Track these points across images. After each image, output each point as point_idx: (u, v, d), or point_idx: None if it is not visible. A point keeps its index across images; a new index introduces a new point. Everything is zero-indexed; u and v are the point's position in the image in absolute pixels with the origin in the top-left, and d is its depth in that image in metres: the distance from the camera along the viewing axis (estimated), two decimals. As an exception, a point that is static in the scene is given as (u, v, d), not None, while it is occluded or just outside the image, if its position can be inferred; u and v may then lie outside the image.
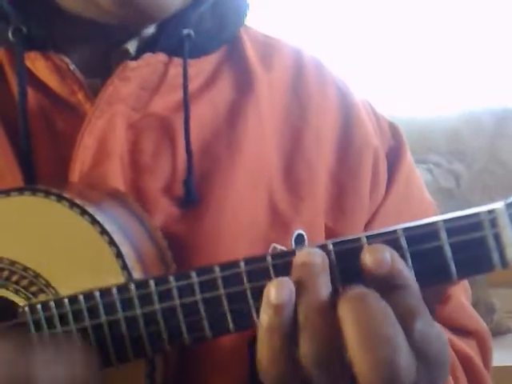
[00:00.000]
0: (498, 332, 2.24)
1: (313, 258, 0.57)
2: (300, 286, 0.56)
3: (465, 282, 0.87)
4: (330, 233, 0.79)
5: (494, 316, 2.28)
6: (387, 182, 0.83)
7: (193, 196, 0.73)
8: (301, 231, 0.76)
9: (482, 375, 0.82)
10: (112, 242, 0.63)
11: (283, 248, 0.74)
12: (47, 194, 0.64)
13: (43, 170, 0.72)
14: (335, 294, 0.57)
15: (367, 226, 0.81)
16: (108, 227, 0.63)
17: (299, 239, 0.76)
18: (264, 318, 0.57)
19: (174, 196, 0.73)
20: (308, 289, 0.56)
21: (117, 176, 0.72)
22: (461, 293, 0.85)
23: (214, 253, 0.71)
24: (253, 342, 0.61)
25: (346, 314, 0.55)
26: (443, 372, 0.59)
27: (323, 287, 0.56)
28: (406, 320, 0.55)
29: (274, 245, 0.74)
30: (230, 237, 0.73)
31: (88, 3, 0.72)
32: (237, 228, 0.74)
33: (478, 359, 0.82)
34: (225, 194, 0.74)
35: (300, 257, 0.58)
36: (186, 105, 0.75)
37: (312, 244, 0.74)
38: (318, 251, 0.58)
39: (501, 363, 1.96)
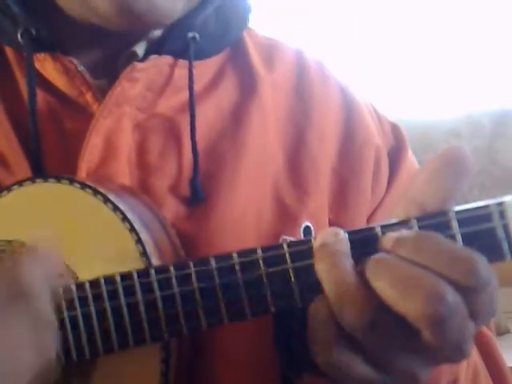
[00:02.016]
0: (496, 333, 2.25)
1: (331, 237, 0.59)
2: (327, 266, 0.58)
3: None
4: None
5: (492, 316, 2.29)
6: (388, 178, 0.85)
7: (199, 195, 0.75)
8: (308, 223, 0.78)
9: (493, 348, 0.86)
10: (133, 229, 0.65)
11: (293, 239, 0.76)
12: (71, 181, 0.66)
13: (52, 168, 0.73)
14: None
15: (369, 220, 0.83)
16: (129, 215, 0.65)
17: (307, 231, 0.77)
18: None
19: (181, 195, 0.75)
20: (335, 267, 0.58)
21: (124, 175, 0.74)
22: None
23: (221, 249, 0.72)
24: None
25: (373, 274, 0.56)
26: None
27: (348, 261, 0.58)
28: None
29: (284, 237, 0.76)
30: (237, 233, 0.75)
31: (90, 12, 0.73)
32: (243, 224, 0.75)
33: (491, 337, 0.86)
34: (231, 192, 0.76)
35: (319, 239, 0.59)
36: (191, 106, 0.77)
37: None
38: (332, 230, 0.59)
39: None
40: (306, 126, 0.82)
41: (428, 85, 2.49)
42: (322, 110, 0.84)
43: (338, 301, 0.56)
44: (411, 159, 0.88)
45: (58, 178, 0.66)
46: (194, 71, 0.78)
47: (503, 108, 2.44)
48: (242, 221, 0.75)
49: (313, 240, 0.60)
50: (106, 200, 0.65)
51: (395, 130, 0.89)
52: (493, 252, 0.58)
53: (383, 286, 0.55)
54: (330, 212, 0.81)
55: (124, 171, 0.74)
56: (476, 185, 2.43)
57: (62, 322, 0.63)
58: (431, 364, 0.60)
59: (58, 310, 0.63)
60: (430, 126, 2.41)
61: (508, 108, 2.45)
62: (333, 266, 0.57)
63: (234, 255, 0.61)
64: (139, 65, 0.75)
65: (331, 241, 0.58)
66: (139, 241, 0.65)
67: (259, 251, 0.61)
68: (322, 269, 0.58)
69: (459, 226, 0.57)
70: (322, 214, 0.80)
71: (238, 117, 0.80)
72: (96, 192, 0.65)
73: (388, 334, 0.56)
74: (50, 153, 0.74)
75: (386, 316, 0.55)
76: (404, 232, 0.58)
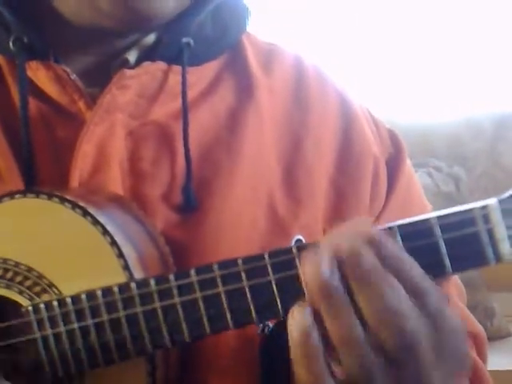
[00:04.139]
0: (498, 336, 2.25)
1: (325, 280, 0.58)
2: (324, 309, 0.58)
3: (460, 285, 0.88)
4: None
5: (494, 320, 2.28)
6: (387, 189, 0.83)
7: (192, 202, 0.74)
8: (300, 237, 0.76)
9: (481, 370, 0.82)
10: (114, 243, 0.64)
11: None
12: (50, 196, 0.65)
13: (44, 177, 0.73)
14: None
15: None
16: (110, 228, 0.64)
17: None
18: (296, 348, 0.59)
19: (174, 202, 0.74)
20: (332, 313, 0.58)
21: (116, 183, 0.73)
22: (457, 296, 0.86)
23: (214, 258, 0.71)
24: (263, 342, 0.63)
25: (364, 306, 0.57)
26: (461, 362, 0.61)
27: (345, 308, 0.58)
28: (418, 295, 0.58)
29: None
30: (230, 242, 0.74)
31: (86, 5, 0.72)
32: (236, 233, 0.74)
33: (475, 356, 0.83)
34: (224, 200, 0.75)
35: (312, 279, 0.58)
36: (184, 112, 0.76)
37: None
38: (325, 266, 0.58)
39: (501, 367, 1.96)
40: (302, 134, 0.81)
41: (428, 89, 2.49)
42: (319, 118, 0.83)
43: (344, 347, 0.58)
44: (409, 167, 0.87)
45: (38, 193, 0.66)
46: (190, 77, 0.77)
47: (504, 111, 2.43)
48: (235, 229, 0.74)
49: (294, 249, 0.59)
50: (86, 213, 0.64)
51: (392, 136, 0.87)
52: (477, 257, 0.57)
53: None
54: (326, 223, 0.79)
55: (116, 179, 0.73)
56: (478, 188, 2.42)
57: (46, 339, 0.63)
58: None
59: (42, 327, 0.63)
60: (431, 129, 2.41)
61: (509, 111, 2.44)
62: (330, 314, 0.58)
63: (215, 267, 0.60)
64: (129, 72, 0.75)
65: (325, 285, 0.58)
66: (121, 254, 0.64)
67: (240, 262, 0.60)
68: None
69: (442, 232, 0.56)
70: (315, 226, 0.78)
71: (233, 123, 0.79)
72: (75, 206, 0.64)
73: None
74: (42, 161, 0.73)
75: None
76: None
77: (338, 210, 0.80)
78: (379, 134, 0.86)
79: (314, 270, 0.57)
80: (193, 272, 0.61)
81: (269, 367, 0.70)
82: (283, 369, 0.65)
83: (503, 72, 2.48)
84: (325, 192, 0.80)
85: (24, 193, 0.66)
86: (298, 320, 0.58)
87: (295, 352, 0.59)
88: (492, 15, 2.49)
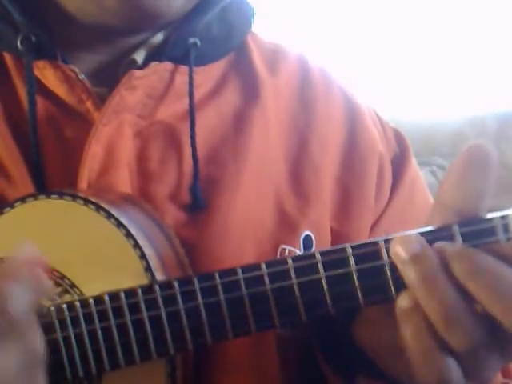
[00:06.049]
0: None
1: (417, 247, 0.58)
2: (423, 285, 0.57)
3: None
4: (336, 235, 0.80)
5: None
6: (392, 187, 0.84)
7: (199, 201, 0.75)
8: (308, 232, 0.77)
9: None
10: (136, 245, 0.64)
11: (292, 249, 0.76)
12: (74, 197, 0.66)
13: (53, 177, 0.73)
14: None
15: (372, 229, 0.82)
16: (132, 230, 0.65)
17: (307, 240, 0.77)
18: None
19: (182, 202, 0.75)
20: (432, 288, 0.57)
21: (125, 183, 0.73)
22: None
23: (222, 256, 0.73)
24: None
25: (477, 284, 0.56)
26: None
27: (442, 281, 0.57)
28: None
29: (283, 246, 0.76)
30: (237, 241, 0.74)
31: (91, 2, 0.73)
32: (244, 231, 0.75)
33: None
34: (231, 199, 0.76)
35: (400, 252, 0.58)
36: (191, 112, 0.76)
37: (319, 246, 0.76)
38: (412, 239, 0.58)
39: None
40: (308, 134, 0.82)
41: (432, 86, 2.49)
42: (324, 118, 0.83)
43: (444, 321, 0.57)
44: (414, 167, 0.88)
45: (61, 194, 0.66)
46: (197, 77, 0.78)
47: (508, 109, 2.44)
48: (242, 228, 0.75)
49: (317, 254, 0.60)
50: (109, 216, 0.65)
51: (398, 136, 0.88)
52: None
53: (486, 297, 0.56)
54: (333, 221, 0.80)
55: (125, 179, 0.74)
56: (481, 186, 2.42)
57: (67, 339, 0.63)
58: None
59: (64, 327, 0.63)
60: (435, 127, 2.41)
61: (513, 109, 2.45)
62: (432, 283, 0.57)
63: (239, 271, 0.61)
64: (137, 72, 0.75)
65: (420, 252, 0.57)
66: (143, 256, 0.65)
67: (263, 266, 0.61)
68: (418, 286, 0.57)
69: (463, 241, 0.57)
70: (323, 223, 0.80)
71: (240, 123, 0.80)
72: (99, 208, 0.65)
73: (488, 349, 0.58)
74: (50, 161, 0.74)
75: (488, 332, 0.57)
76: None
77: (344, 207, 0.81)
78: (385, 133, 0.87)
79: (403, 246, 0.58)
80: (216, 275, 0.61)
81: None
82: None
83: (507, 71, 2.48)
84: (331, 190, 0.81)
85: (48, 194, 0.67)
86: (401, 307, 0.58)
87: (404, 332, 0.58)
88: (496, 12, 2.49)
